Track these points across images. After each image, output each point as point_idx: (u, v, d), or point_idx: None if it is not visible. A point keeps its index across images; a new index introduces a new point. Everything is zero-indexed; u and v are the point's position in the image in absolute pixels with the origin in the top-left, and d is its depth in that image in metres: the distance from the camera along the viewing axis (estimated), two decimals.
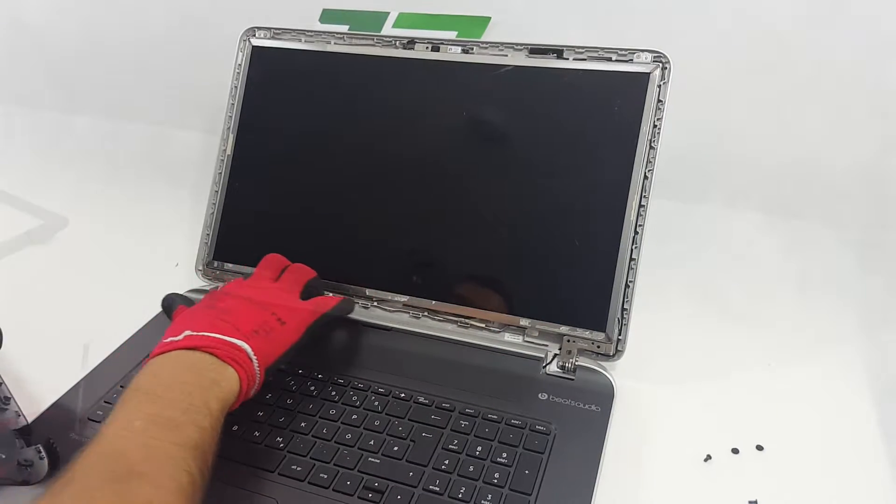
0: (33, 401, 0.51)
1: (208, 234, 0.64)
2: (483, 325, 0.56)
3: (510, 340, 0.55)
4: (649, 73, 0.52)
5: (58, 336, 0.61)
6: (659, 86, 0.52)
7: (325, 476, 0.44)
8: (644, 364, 0.53)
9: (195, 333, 0.44)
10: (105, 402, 0.51)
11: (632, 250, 0.51)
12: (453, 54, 0.57)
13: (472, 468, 0.44)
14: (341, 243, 0.60)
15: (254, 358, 0.44)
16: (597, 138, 0.53)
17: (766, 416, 0.50)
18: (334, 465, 0.45)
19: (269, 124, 0.63)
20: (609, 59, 0.53)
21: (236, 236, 0.63)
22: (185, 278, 0.65)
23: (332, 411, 0.49)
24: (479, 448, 0.45)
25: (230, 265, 0.63)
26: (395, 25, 0.70)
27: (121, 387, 0.52)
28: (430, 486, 0.43)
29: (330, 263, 0.60)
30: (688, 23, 0.64)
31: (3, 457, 0.44)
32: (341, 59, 0.61)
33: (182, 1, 0.83)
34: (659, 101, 0.52)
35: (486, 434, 0.47)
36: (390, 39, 0.60)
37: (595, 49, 0.54)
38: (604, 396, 0.50)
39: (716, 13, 0.63)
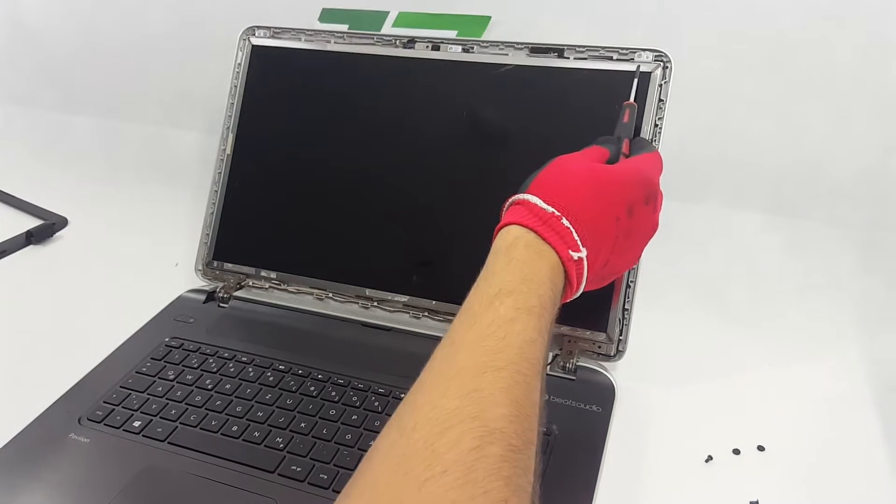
0: (32, 402, 0.51)
1: (208, 234, 0.64)
2: None
3: None
4: (650, 73, 0.52)
5: (57, 336, 0.61)
6: (660, 85, 0.52)
7: (325, 476, 0.44)
8: (645, 364, 0.53)
9: None
10: (104, 402, 0.51)
11: None
12: (454, 53, 0.57)
13: None
14: (341, 243, 0.60)
15: None
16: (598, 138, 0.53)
17: (768, 416, 0.50)
18: (334, 465, 0.45)
19: (268, 124, 0.63)
20: (610, 59, 0.53)
21: (236, 236, 0.63)
22: (185, 278, 0.65)
23: (332, 412, 0.49)
24: None
25: (230, 265, 0.63)
26: (395, 24, 0.70)
27: (120, 387, 0.52)
28: None
29: (330, 263, 0.60)
30: (689, 22, 0.64)
31: None
32: (341, 58, 0.61)
33: (181, 0, 0.83)
34: (660, 100, 0.51)
35: None
36: (390, 38, 0.59)
37: (596, 48, 0.53)
38: (605, 397, 0.50)
39: (717, 12, 0.63)
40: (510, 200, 0.40)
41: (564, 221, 0.37)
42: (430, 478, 0.26)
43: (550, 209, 0.37)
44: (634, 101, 0.50)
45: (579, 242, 0.37)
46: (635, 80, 0.51)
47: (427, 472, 0.26)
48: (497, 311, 0.33)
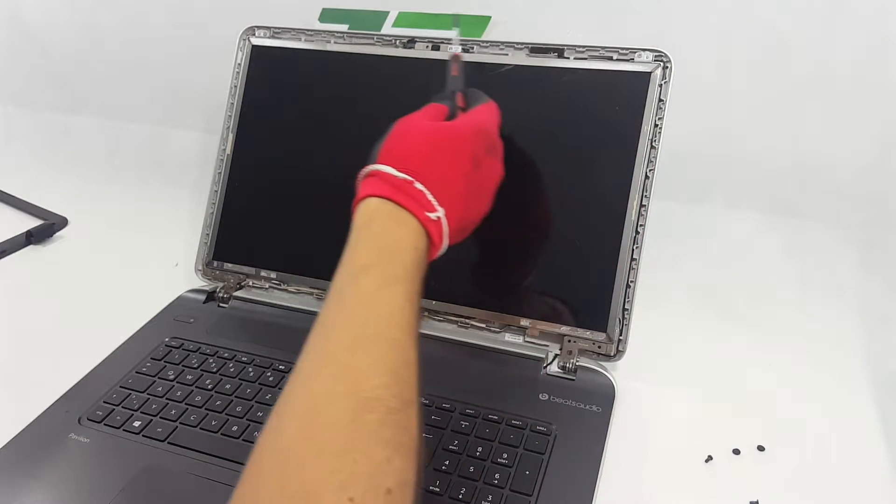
0: (33, 402, 0.51)
1: (208, 234, 0.64)
2: (483, 326, 0.56)
3: (511, 341, 0.55)
4: (650, 73, 0.52)
5: (57, 336, 0.61)
6: (660, 85, 0.52)
7: None
8: (645, 364, 0.53)
9: None
10: (104, 402, 0.51)
11: (633, 250, 0.51)
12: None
13: (472, 469, 0.44)
14: (341, 243, 0.60)
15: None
16: (598, 138, 0.53)
17: (767, 416, 0.50)
18: None
19: (268, 124, 0.63)
20: (610, 59, 0.53)
21: (236, 236, 0.63)
22: (185, 278, 0.65)
23: None
24: (480, 448, 0.45)
25: (230, 265, 0.63)
26: (395, 24, 0.70)
27: (120, 387, 0.52)
28: (430, 487, 0.43)
29: (330, 263, 0.60)
30: (689, 22, 0.64)
31: None
32: (341, 58, 0.61)
33: (182, 1, 0.83)
34: (660, 100, 0.51)
35: (486, 434, 0.46)
36: (390, 38, 0.59)
37: (596, 48, 0.53)
38: (605, 397, 0.50)
39: (717, 12, 0.63)
40: (362, 172, 0.41)
41: (417, 185, 0.38)
42: (311, 458, 0.28)
43: (402, 176, 0.38)
44: (460, 51, 0.52)
45: (435, 203, 0.39)
46: (457, 28, 0.53)
47: (306, 455, 0.28)
48: (362, 286, 0.34)
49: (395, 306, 0.34)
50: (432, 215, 0.38)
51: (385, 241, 0.37)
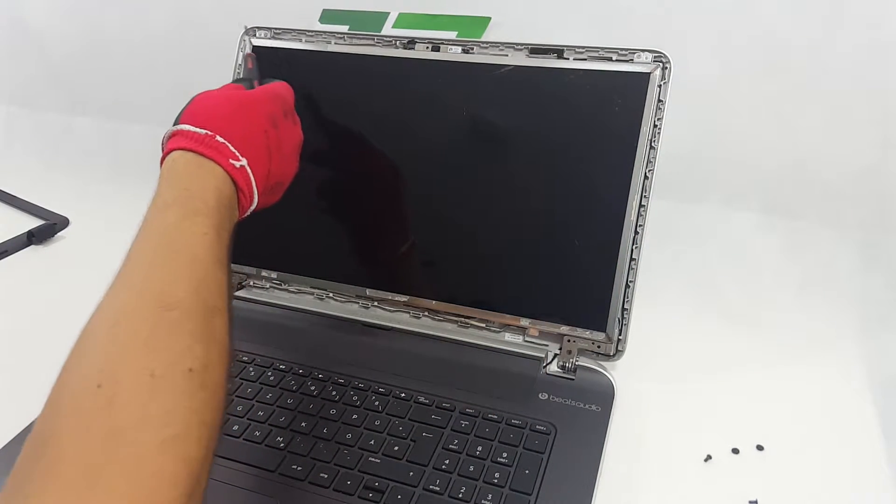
0: (32, 402, 0.51)
1: None
2: (483, 325, 0.56)
3: (510, 340, 0.55)
4: (650, 73, 0.52)
5: (58, 336, 0.61)
6: (659, 86, 0.52)
7: (326, 476, 0.44)
8: (644, 364, 0.53)
9: None
10: None
11: (632, 250, 0.51)
12: (453, 54, 0.57)
13: (472, 468, 0.44)
14: (341, 243, 0.60)
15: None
16: (597, 138, 0.53)
17: (767, 416, 0.50)
18: (334, 464, 0.45)
19: None
20: (609, 59, 0.53)
21: (236, 236, 0.63)
22: None
23: (333, 411, 0.49)
24: (480, 448, 0.45)
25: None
26: (396, 26, 0.70)
27: None
28: (431, 486, 0.43)
29: (330, 263, 0.60)
30: (688, 23, 0.64)
31: None
32: (341, 59, 0.61)
33: (183, 1, 0.83)
34: (659, 101, 0.52)
35: (486, 434, 0.47)
36: (390, 39, 0.60)
37: (595, 49, 0.54)
38: (604, 396, 0.50)
39: (716, 13, 0.63)
40: (165, 135, 0.43)
41: (219, 138, 0.41)
42: (113, 348, 0.30)
43: (203, 131, 0.41)
44: (253, 52, 0.61)
45: (237, 153, 0.41)
46: (247, 38, 0.62)
47: (109, 347, 0.30)
48: (165, 217, 0.37)
49: (197, 231, 0.36)
50: (236, 163, 0.41)
51: (188, 183, 0.39)
